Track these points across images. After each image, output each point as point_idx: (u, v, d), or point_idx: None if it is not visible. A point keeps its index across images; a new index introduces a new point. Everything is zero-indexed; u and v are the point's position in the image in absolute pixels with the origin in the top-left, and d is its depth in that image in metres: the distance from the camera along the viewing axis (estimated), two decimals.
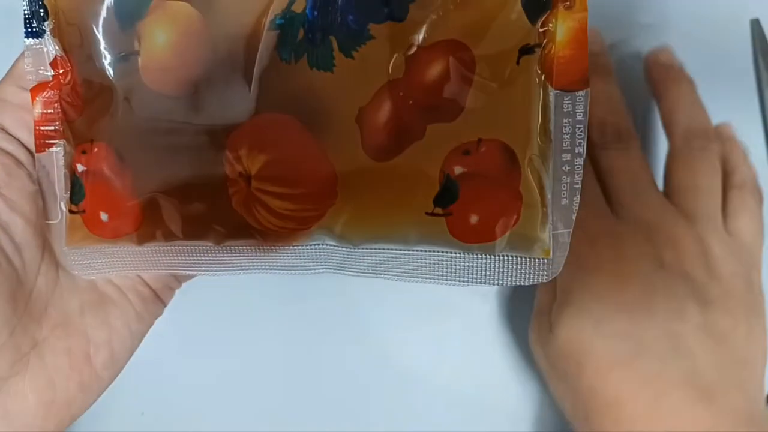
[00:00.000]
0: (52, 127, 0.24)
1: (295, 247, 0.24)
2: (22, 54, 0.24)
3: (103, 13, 0.22)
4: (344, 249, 0.23)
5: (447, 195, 0.22)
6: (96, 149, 0.23)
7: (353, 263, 0.24)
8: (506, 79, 0.21)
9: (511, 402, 0.35)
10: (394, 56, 0.21)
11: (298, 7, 0.21)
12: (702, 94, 0.33)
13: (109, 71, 0.23)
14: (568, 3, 0.21)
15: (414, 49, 0.21)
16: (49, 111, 0.24)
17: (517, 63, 0.21)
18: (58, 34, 0.23)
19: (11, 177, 0.24)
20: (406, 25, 0.21)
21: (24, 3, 0.23)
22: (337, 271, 0.24)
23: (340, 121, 0.22)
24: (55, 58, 0.24)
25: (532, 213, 0.22)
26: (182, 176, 0.23)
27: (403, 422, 0.35)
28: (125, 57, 0.22)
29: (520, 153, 0.22)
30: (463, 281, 0.23)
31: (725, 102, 0.33)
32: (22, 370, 0.23)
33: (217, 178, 0.23)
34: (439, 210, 0.22)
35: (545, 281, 0.22)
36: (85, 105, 0.23)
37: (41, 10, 0.23)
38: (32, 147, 0.24)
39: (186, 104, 0.22)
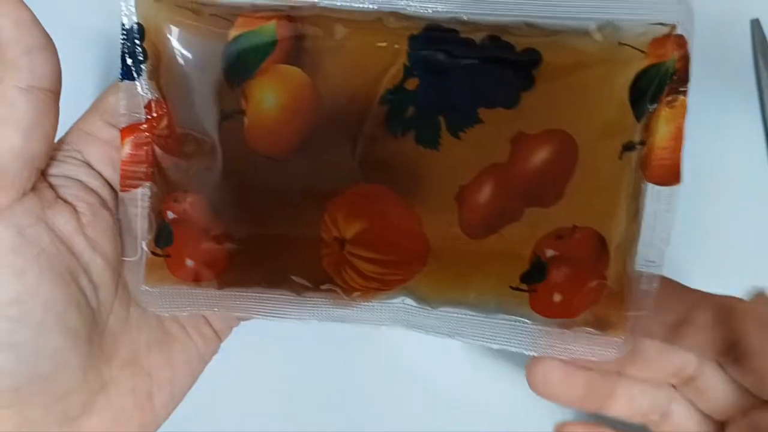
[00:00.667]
0: (140, 169, 0.24)
1: (373, 304, 0.24)
2: (112, 88, 0.24)
3: (211, 67, 0.22)
4: (422, 309, 0.24)
5: (535, 275, 0.23)
6: (189, 199, 0.23)
7: (429, 323, 0.24)
8: (606, 171, 0.22)
9: (511, 402, 0.35)
10: (501, 140, 0.22)
11: (411, 85, 0.22)
12: (702, 94, 0.32)
13: (213, 127, 0.22)
14: (670, 101, 0.22)
15: (521, 135, 0.22)
16: (138, 152, 0.24)
17: (620, 158, 0.22)
18: (156, 78, 0.23)
19: (96, 217, 0.23)
20: (515, 112, 0.22)
21: (121, 40, 0.23)
22: (411, 329, 0.25)
23: (439, 197, 0.22)
24: (150, 101, 0.23)
25: (614, 296, 0.23)
26: (275, 233, 0.23)
27: (404, 422, 0.35)
28: (230, 114, 0.22)
29: (610, 240, 0.22)
30: (537, 351, 0.24)
31: (725, 102, 0.34)
32: (90, 410, 0.24)
33: (310, 238, 0.23)
34: (524, 286, 0.23)
35: (614, 358, 0.23)
36: (182, 155, 0.23)
37: (139, 51, 0.23)
38: (115, 184, 0.24)
39: (288, 167, 0.23)
